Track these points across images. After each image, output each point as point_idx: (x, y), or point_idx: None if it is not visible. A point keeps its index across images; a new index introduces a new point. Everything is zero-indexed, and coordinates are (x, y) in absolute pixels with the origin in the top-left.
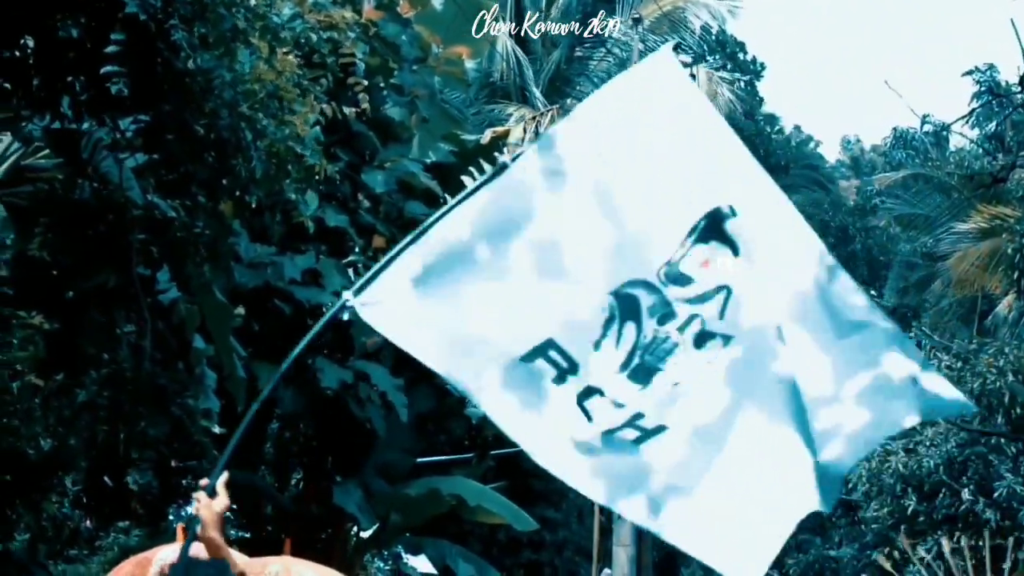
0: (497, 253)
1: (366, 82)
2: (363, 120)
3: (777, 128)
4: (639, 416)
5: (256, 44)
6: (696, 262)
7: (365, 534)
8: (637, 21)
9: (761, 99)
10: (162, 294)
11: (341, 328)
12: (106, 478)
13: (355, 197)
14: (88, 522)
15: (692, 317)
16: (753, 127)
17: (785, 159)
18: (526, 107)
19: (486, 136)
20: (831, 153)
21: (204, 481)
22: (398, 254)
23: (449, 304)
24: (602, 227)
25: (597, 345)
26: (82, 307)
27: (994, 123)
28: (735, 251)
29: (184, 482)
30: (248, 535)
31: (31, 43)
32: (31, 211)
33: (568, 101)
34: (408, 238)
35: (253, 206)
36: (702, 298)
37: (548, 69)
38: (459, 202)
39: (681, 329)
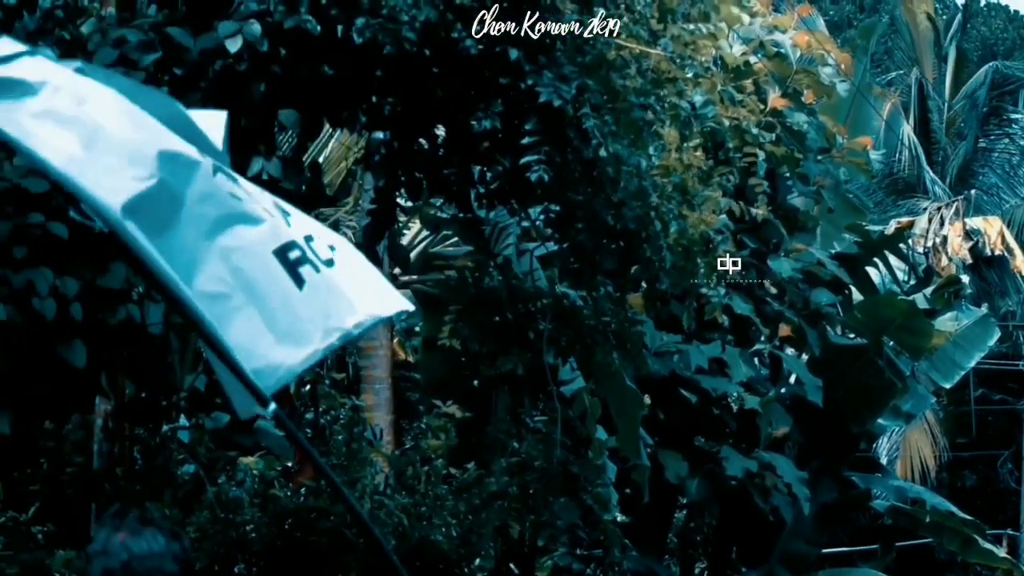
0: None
1: (766, 183)
2: (768, 209)
3: None
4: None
5: (664, 134)
6: None
7: None
8: None
9: None
10: (566, 384)
11: (747, 418)
12: (512, 565)
13: (761, 286)
14: None
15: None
16: None
17: None
18: (928, 198)
19: (890, 227)
20: None
21: None
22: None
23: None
24: None
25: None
26: (490, 395)
27: None
28: None
29: (588, 570)
30: None
31: (442, 132)
32: (440, 299)
33: (972, 192)
34: None
35: (662, 295)
36: None
37: (954, 159)
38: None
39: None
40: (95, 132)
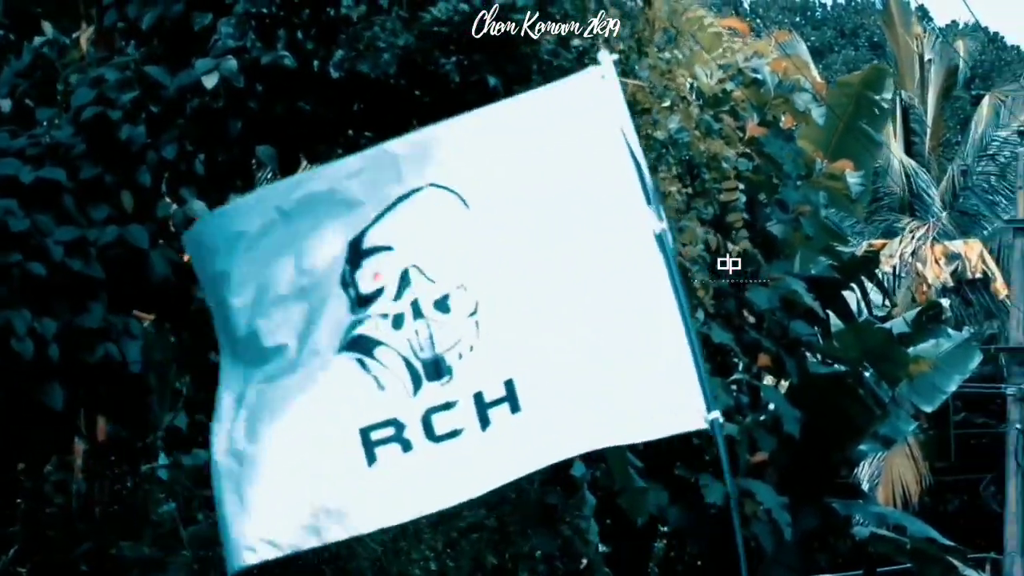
0: None
1: (746, 216)
2: (747, 238)
3: None
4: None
5: None
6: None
7: None
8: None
9: None
10: None
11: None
12: None
13: (740, 314)
14: None
15: (415, 305)
16: None
17: None
18: (917, 219)
19: (861, 247)
20: None
21: None
22: None
23: None
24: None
25: (381, 387)
26: None
27: None
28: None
29: None
30: None
31: None
32: None
33: (946, 214)
34: None
35: None
36: (399, 294)
37: (939, 182)
38: None
39: (417, 316)
40: None
